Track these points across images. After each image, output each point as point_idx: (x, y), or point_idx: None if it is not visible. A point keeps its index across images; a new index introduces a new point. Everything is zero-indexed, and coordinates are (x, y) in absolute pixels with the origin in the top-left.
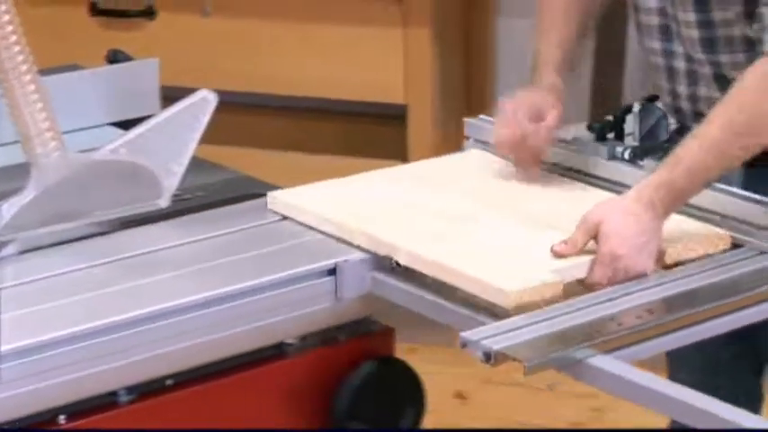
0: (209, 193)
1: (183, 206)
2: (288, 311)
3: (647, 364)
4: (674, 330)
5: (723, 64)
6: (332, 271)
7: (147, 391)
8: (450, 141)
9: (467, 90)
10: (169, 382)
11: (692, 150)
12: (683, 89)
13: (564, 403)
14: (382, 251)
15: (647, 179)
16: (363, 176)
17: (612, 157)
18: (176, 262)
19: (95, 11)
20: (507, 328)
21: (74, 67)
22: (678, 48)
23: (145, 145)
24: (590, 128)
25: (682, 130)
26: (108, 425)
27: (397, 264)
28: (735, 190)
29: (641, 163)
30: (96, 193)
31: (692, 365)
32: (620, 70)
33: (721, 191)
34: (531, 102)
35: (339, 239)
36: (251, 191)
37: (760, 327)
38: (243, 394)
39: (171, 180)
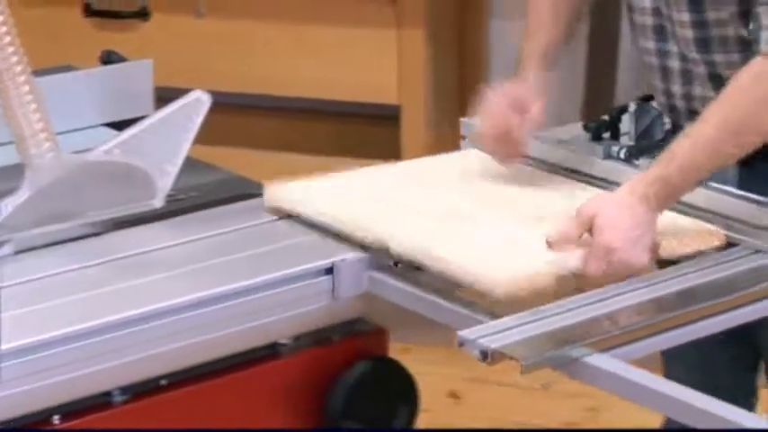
0: (202, 193)
1: (177, 206)
2: (285, 311)
3: (641, 363)
4: (671, 329)
5: (717, 63)
6: (329, 270)
7: (141, 391)
8: (444, 142)
9: (460, 91)
10: (163, 382)
11: (687, 147)
12: (677, 88)
13: (558, 403)
14: (376, 241)
15: (642, 174)
16: (360, 171)
17: (608, 156)
18: (170, 262)
19: (89, 12)
20: (504, 326)
21: (67, 68)
22: (673, 47)
23: (139, 146)
24: (586, 127)
25: (676, 130)
26: (102, 425)
27: (395, 263)
28: (730, 189)
29: (637, 162)
30: (90, 194)
31: (689, 364)
32: (612, 70)
33: (716, 190)
34: (516, 94)
35: (333, 232)
36: (245, 191)
37: (757, 324)
38: (237, 394)
39: (165, 180)
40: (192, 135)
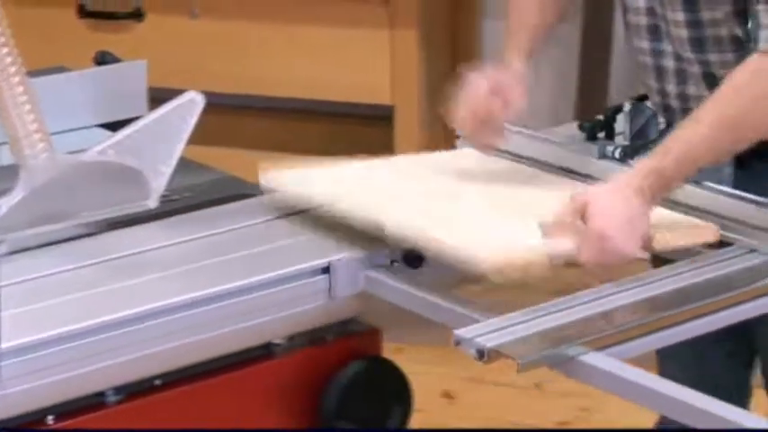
0: (196, 193)
1: (171, 207)
2: (282, 311)
3: (635, 360)
4: (666, 327)
5: (712, 63)
6: (325, 269)
7: (136, 391)
8: (438, 142)
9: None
10: (157, 382)
11: (683, 141)
12: (671, 88)
13: (552, 403)
14: (367, 220)
15: (637, 166)
16: (356, 162)
17: (603, 156)
18: (165, 262)
19: (83, 13)
20: (500, 325)
21: (60, 69)
22: (667, 47)
23: (133, 146)
24: (581, 127)
25: (671, 129)
26: (96, 425)
27: (392, 261)
28: (725, 188)
29: (632, 162)
30: (84, 195)
31: (684, 361)
32: (606, 70)
33: (712, 189)
34: (498, 79)
35: (329, 215)
36: (239, 192)
37: (753, 321)
38: (231, 394)
39: (159, 181)
40: (186, 136)
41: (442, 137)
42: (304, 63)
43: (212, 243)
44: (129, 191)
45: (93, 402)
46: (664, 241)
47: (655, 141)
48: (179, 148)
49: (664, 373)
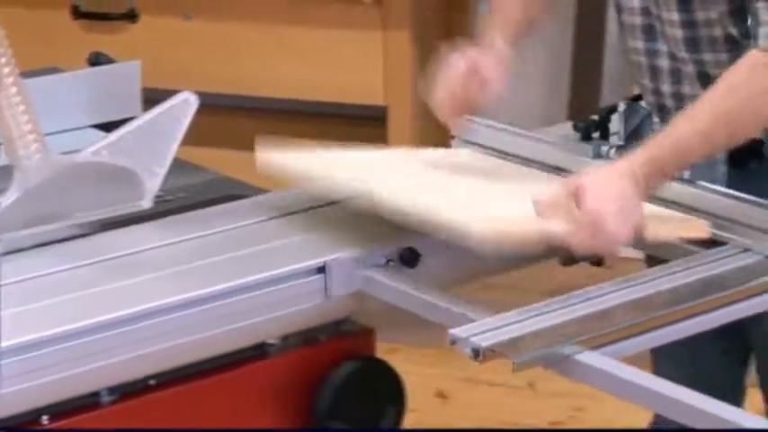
0: (190, 194)
1: (165, 207)
2: (278, 310)
3: (630, 359)
4: (661, 327)
5: (707, 62)
6: (321, 269)
7: (130, 391)
8: (431, 143)
9: None
10: (152, 382)
11: (678, 133)
12: (666, 88)
13: (544, 403)
14: (360, 190)
15: (633, 154)
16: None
17: (598, 156)
18: (159, 263)
19: (78, 14)
20: (495, 325)
21: (54, 70)
22: (662, 47)
23: (127, 147)
24: (575, 127)
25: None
26: (90, 425)
27: (388, 261)
28: (719, 188)
29: None
30: (78, 195)
31: (679, 360)
32: (598, 70)
33: (705, 188)
34: (478, 60)
35: (322, 188)
36: (232, 192)
37: (747, 320)
38: (225, 394)
39: (153, 181)
40: (179, 136)
41: (435, 137)
42: (297, 64)
43: (206, 243)
44: (122, 191)
45: (88, 402)
46: (655, 232)
47: None
48: (173, 149)
49: (659, 371)
